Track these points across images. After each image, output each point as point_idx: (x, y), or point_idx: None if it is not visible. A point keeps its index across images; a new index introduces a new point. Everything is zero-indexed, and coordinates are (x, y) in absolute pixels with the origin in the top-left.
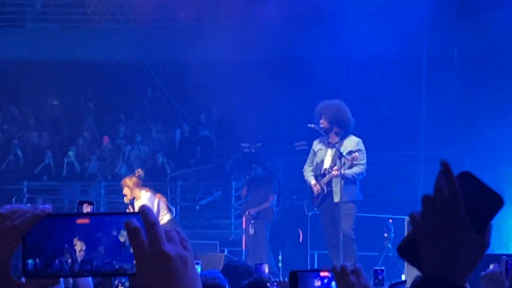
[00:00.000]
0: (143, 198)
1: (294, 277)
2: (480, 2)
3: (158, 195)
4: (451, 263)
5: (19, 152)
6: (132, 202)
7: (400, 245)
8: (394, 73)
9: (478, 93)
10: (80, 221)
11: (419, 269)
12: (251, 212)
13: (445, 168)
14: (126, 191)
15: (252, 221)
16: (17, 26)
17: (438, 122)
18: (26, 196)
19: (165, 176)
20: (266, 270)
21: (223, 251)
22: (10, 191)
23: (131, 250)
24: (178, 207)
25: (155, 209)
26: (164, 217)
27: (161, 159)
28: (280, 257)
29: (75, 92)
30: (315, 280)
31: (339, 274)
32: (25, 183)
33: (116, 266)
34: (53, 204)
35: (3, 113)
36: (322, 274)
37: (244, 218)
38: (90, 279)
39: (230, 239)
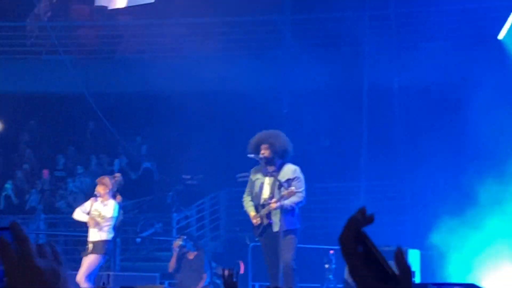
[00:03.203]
0: (112, 205)
1: None
2: (419, 34)
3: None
4: None
5: None
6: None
7: None
8: (335, 104)
9: (418, 124)
10: None
11: None
12: None
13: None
14: (100, 188)
15: None
16: None
17: (379, 153)
18: None
19: None
20: None
21: (163, 283)
22: None
23: (1, 265)
24: (118, 239)
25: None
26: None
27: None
28: None
29: (15, 123)
30: None
31: None
32: None
33: None
34: None
35: None
36: None
37: None
38: None
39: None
